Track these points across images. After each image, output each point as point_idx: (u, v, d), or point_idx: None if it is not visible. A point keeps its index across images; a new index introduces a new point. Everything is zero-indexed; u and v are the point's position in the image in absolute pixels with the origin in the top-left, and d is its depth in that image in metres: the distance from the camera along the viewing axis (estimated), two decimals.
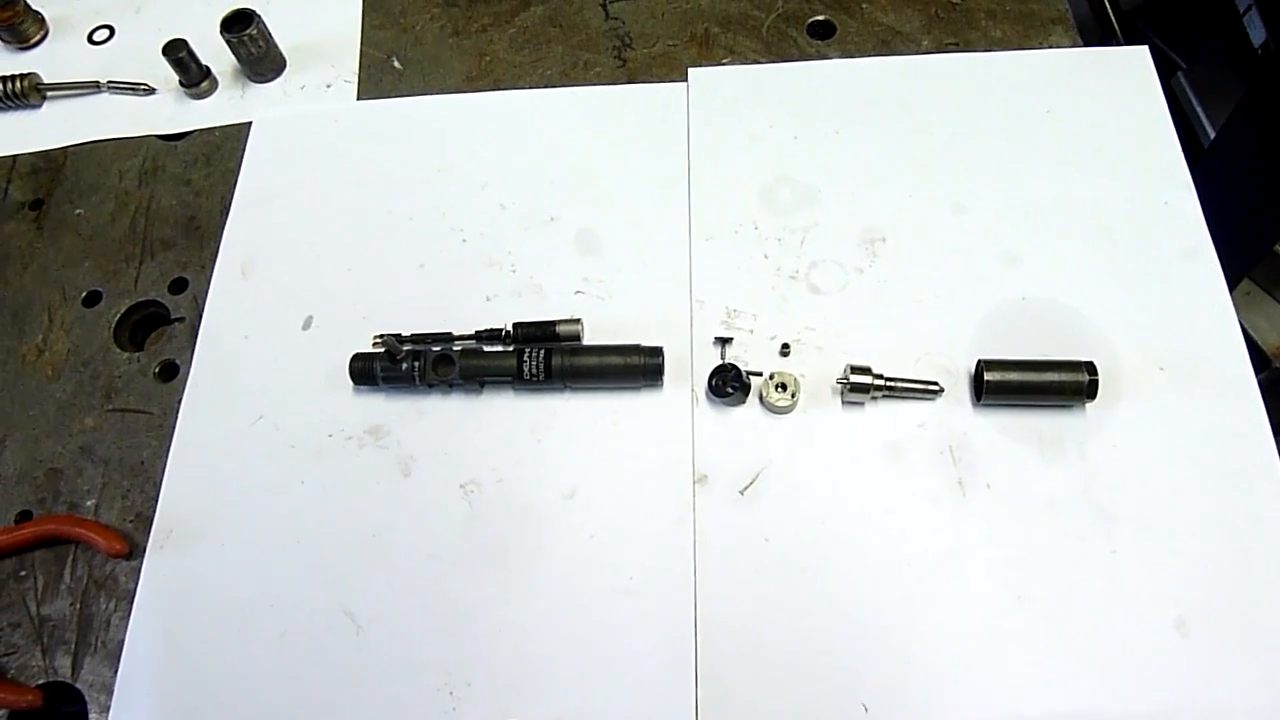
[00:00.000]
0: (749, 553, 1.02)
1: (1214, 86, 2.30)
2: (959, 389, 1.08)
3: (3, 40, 1.46)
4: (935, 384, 1.07)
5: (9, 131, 1.39)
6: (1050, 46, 1.31)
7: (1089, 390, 1.03)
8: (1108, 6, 2.09)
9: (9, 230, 1.32)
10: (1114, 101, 1.25)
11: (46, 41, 1.48)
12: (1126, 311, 1.11)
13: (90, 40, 1.47)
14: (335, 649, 1.01)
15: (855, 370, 1.06)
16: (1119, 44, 2.22)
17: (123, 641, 1.04)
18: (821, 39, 1.35)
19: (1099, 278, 1.13)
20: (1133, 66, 1.28)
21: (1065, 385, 1.04)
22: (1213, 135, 2.18)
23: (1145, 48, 1.29)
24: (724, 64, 1.33)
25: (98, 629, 1.05)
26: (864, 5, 1.37)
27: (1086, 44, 1.32)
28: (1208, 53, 2.37)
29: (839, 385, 1.08)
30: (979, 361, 1.06)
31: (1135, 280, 1.13)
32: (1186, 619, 0.96)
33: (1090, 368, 1.04)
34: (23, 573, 1.09)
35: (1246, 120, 1.78)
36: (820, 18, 1.36)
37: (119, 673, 1.02)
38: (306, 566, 1.05)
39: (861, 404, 1.08)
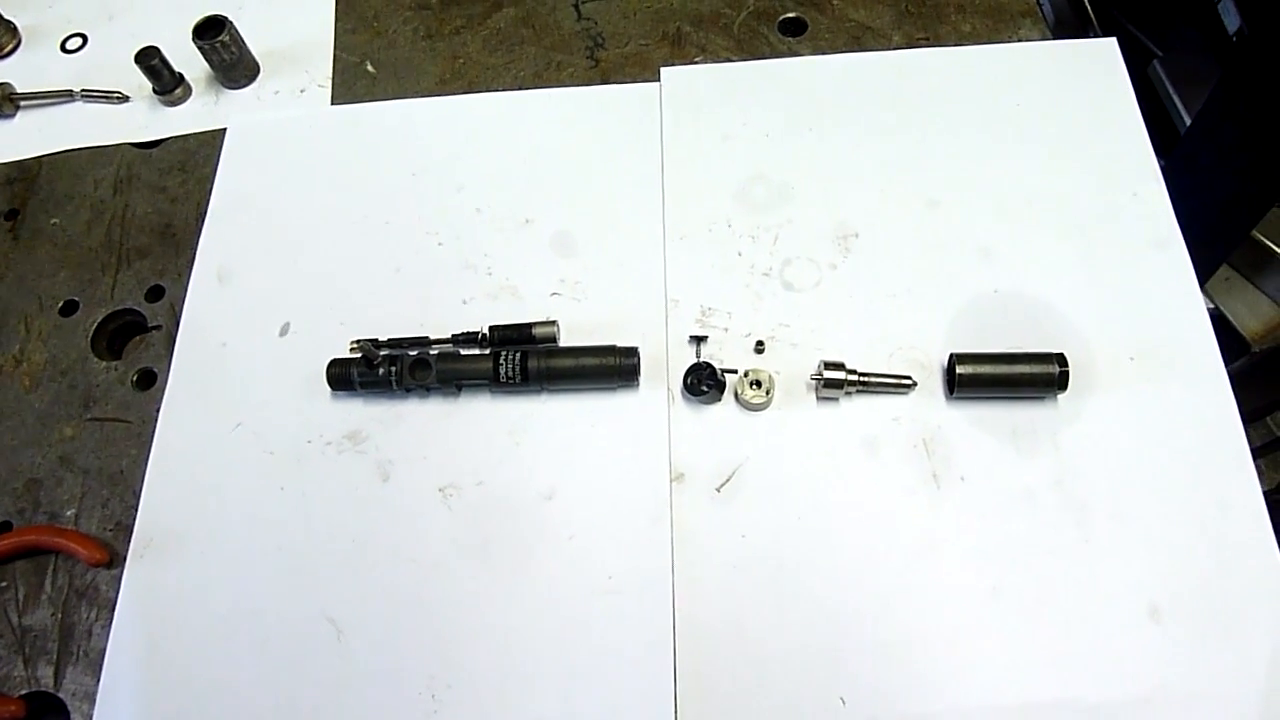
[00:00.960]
0: (726, 549, 1.03)
1: (1190, 74, 2.30)
2: (932, 383, 1.09)
3: None
4: (908, 378, 1.08)
5: None
6: (1020, 40, 1.32)
7: (1060, 382, 1.04)
8: None
9: None
10: (1083, 93, 1.26)
11: (19, 51, 1.47)
12: (1097, 303, 1.12)
13: (63, 49, 1.46)
14: (317, 655, 1.01)
15: (829, 366, 1.07)
16: (1095, 33, 2.23)
17: (104, 650, 1.04)
18: (793, 36, 1.36)
19: (1070, 270, 1.14)
20: (1101, 58, 1.29)
21: (1036, 377, 1.05)
22: (1189, 122, 2.19)
23: (1114, 39, 1.30)
24: (696, 63, 1.34)
25: (79, 638, 1.05)
26: (834, 1, 1.37)
27: (1062, 34, 1.33)
28: (1183, 40, 2.38)
29: (813, 381, 1.09)
30: (951, 355, 1.07)
31: (1105, 271, 1.14)
32: (1160, 607, 0.97)
33: (1061, 359, 1.04)
34: (3, 583, 1.09)
35: (1222, 107, 1.79)
36: (791, 15, 1.37)
37: (101, 681, 1.02)
38: (287, 573, 1.06)
39: (836, 399, 1.09)
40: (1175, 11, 2.42)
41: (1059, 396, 1.07)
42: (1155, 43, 2.44)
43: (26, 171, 1.36)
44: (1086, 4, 2.15)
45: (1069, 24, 2.16)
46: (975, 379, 1.05)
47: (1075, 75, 1.27)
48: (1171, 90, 2.31)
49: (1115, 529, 1.01)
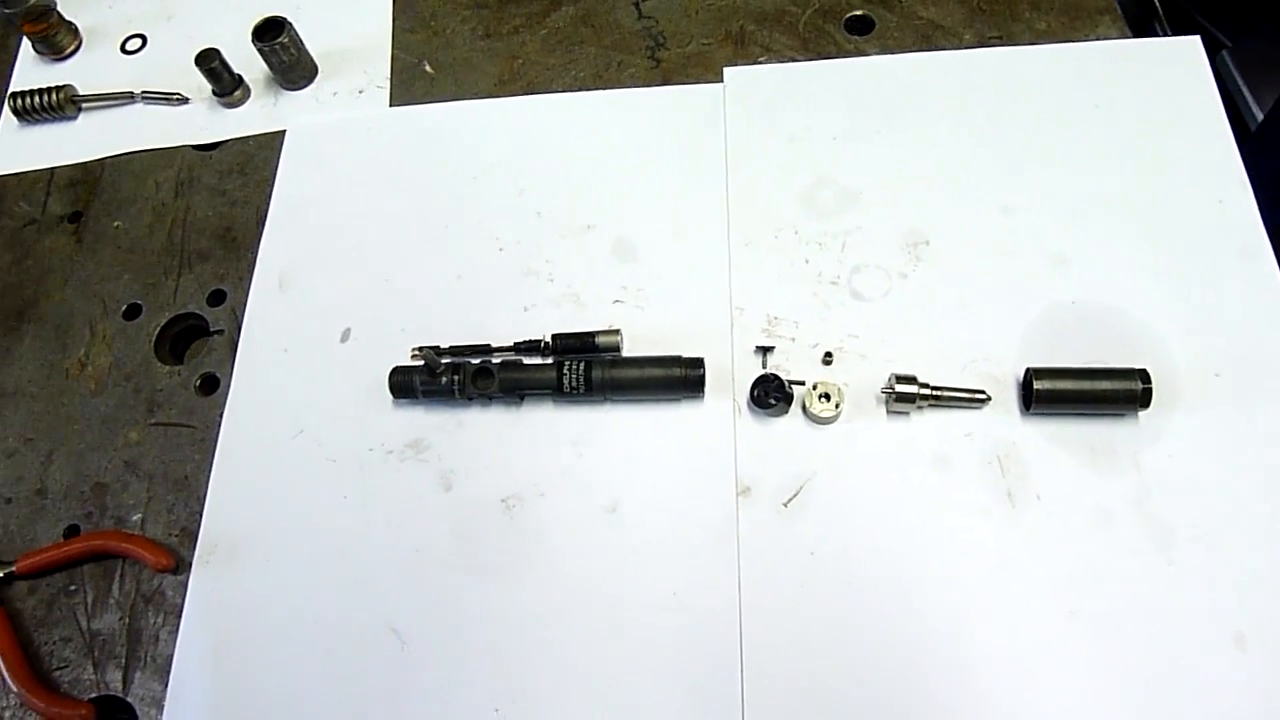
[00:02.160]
0: (794, 567, 1.01)
1: (1261, 65, 2.22)
2: (1007, 397, 1.06)
3: (38, 52, 1.47)
4: (982, 393, 1.05)
5: (47, 144, 1.40)
6: (1097, 38, 1.27)
7: (1142, 399, 1.01)
8: None
9: (49, 243, 1.32)
10: (1164, 95, 1.22)
11: (80, 52, 1.48)
12: (1180, 315, 1.08)
13: (123, 50, 1.47)
14: (381, 665, 1.01)
15: (900, 379, 1.04)
16: (1161, 23, 2.16)
17: (171, 656, 1.05)
18: (860, 34, 1.32)
19: (1151, 280, 1.10)
20: (1183, 58, 1.24)
21: (1118, 394, 1.01)
22: (1260, 116, 2.12)
23: (1197, 38, 1.25)
24: (760, 63, 1.31)
25: (147, 643, 1.06)
26: None
27: (1129, 25, 1.28)
28: (1254, 30, 2.30)
29: (883, 395, 1.06)
30: (1028, 370, 1.04)
31: (1189, 282, 1.10)
32: (1246, 635, 0.93)
33: (1144, 375, 1.01)
34: (72, 587, 1.10)
35: None
36: (858, 12, 1.33)
37: (169, 687, 1.03)
38: (350, 582, 1.06)
39: (907, 414, 1.06)
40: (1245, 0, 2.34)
41: (1140, 414, 1.03)
42: (1224, 32, 2.36)
43: (90, 174, 1.37)
44: None
45: (1133, 14, 2.09)
46: (1054, 395, 1.02)
47: (1156, 75, 1.23)
48: (1241, 82, 2.23)
49: (1199, 553, 0.97)
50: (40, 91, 1.39)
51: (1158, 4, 2.09)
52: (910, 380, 1.04)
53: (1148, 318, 1.08)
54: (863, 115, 1.24)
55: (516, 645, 1.01)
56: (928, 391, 1.04)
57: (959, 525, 1.01)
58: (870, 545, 1.01)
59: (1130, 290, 1.10)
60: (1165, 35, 1.95)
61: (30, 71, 1.47)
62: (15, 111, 1.40)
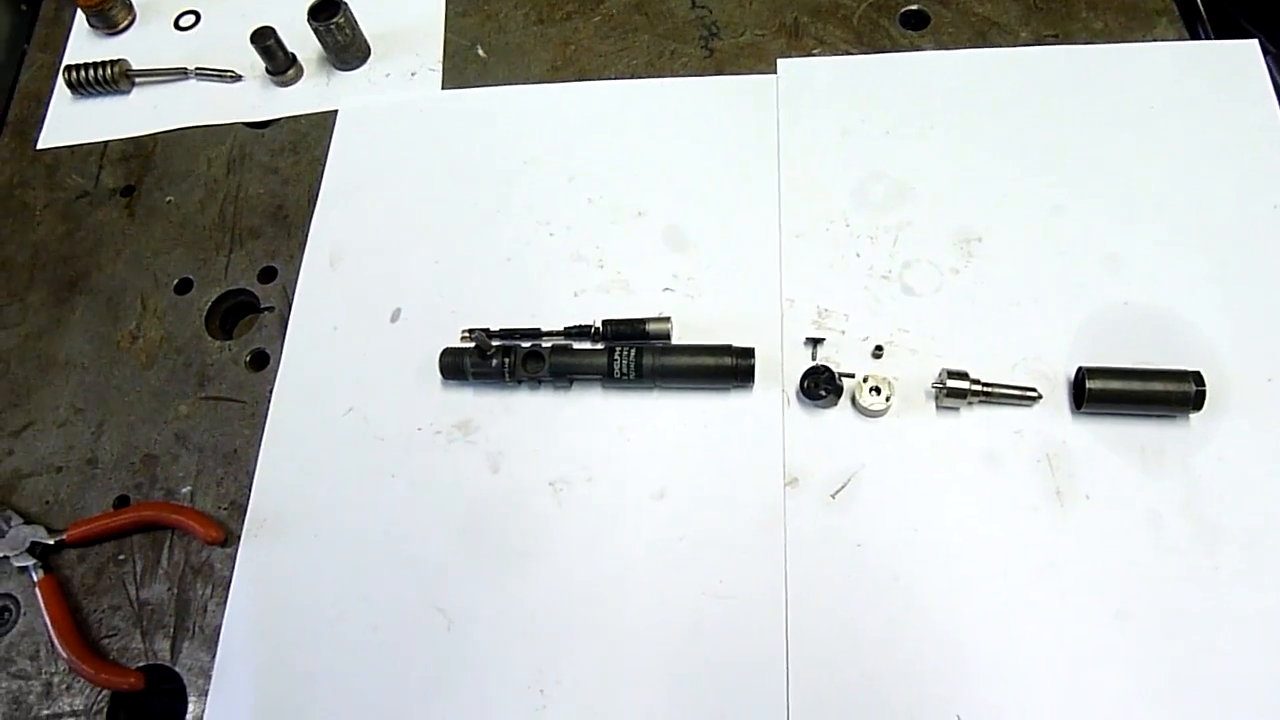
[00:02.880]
0: (840, 559, 1.01)
1: None
2: (1057, 396, 1.06)
3: (92, 26, 1.48)
4: (1033, 390, 1.05)
5: (101, 117, 1.41)
6: (1154, 39, 1.27)
7: (1195, 401, 1.00)
8: None
9: (102, 216, 1.34)
10: (1221, 98, 1.21)
11: (134, 27, 1.49)
12: (1233, 319, 1.07)
13: (177, 26, 1.48)
14: (426, 644, 1.02)
15: (952, 375, 1.04)
16: (1205, 27, 2.14)
17: (219, 627, 1.06)
18: (915, 29, 1.32)
19: (1204, 283, 1.10)
20: (1241, 61, 1.23)
21: (1170, 395, 1.01)
22: None
23: (1255, 42, 1.24)
24: (814, 55, 1.31)
25: (195, 614, 1.07)
26: None
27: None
28: None
29: (934, 389, 1.06)
30: (1080, 369, 1.04)
31: (1243, 286, 1.09)
32: None
33: (1197, 378, 1.01)
34: (121, 556, 1.11)
35: None
36: (913, 7, 1.33)
37: (216, 658, 1.04)
38: (397, 561, 1.06)
39: (957, 409, 1.06)
40: None
41: (1191, 416, 1.03)
42: (1267, 36, 2.33)
43: (142, 148, 1.38)
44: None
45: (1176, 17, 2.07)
46: (1106, 394, 1.02)
47: (1213, 78, 1.22)
48: None
49: (1248, 557, 0.97)
50: (94, 65, 1.40)
51: (1202, 7, 2.08)
52: (962, 376, 1.04)
53: (1199, 321, 1.08)
54: (916, 111, 1.24)
55: (562, 628, 1.01)
56: (979, 388, 1.04)
57: (1007, 522, 1.01)
58: (917, 540, 1.01)
59: (1183, 292, 1.10)
60: (1206, 31, 1.94)
61: (84, 45, 1.48)
62: (69, 85, 1.41)
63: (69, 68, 1.41)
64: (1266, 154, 1.16)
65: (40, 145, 1.41)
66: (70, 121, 1.42)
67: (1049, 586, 0.98)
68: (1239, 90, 1.21)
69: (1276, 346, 1.06)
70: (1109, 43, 1.26)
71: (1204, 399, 1.00)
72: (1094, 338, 1.09)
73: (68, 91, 1.42)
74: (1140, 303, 1.10)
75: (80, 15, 1.49)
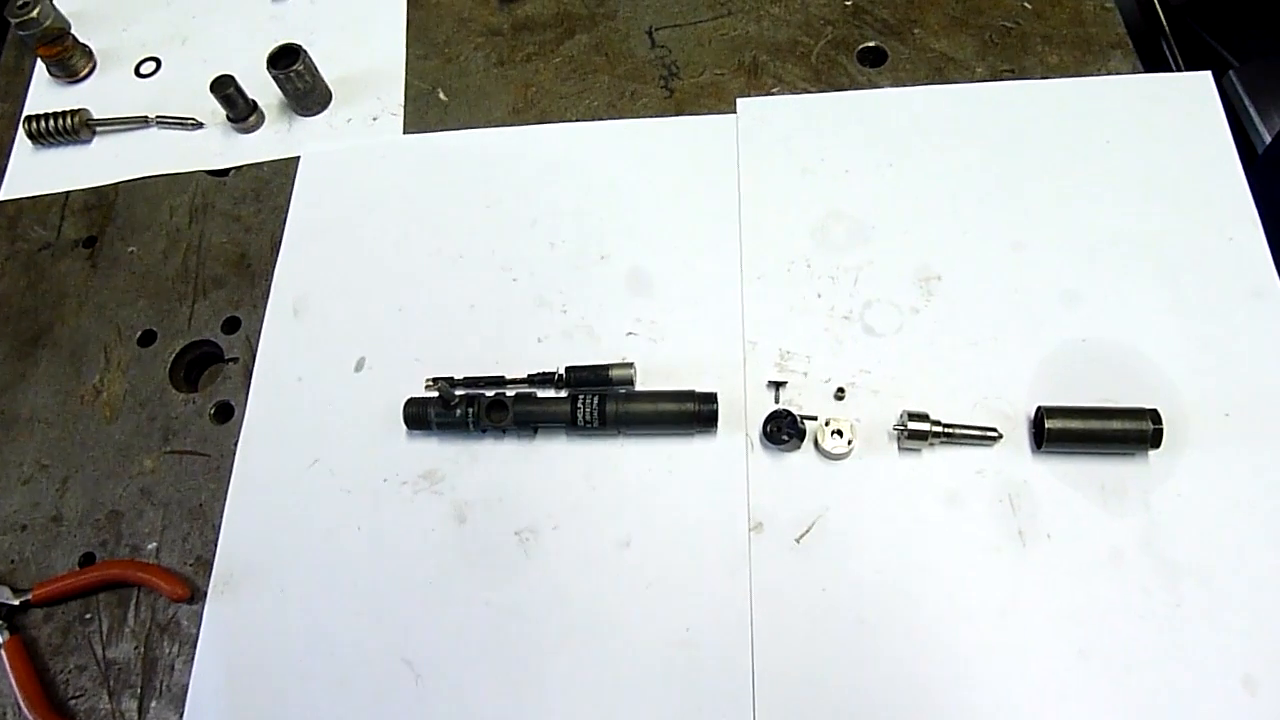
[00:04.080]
0: (806, 603, 1.01)
1: (1268, 85, 2.23)
2: (1018, 435, 1.07)
3: (52, 74, 1.47)
4: (994, 430, 1.06)
5: (62, 167, 1.41)
6: (1109, 72, 1.28)
7: (1153, 439, 1.01)
8: (1156, 5, 2.03)
9: (64, 268, 1.33)
10: (1176, 131, 1.22)
11: (95, 75, 1.49)
12: (1191, 354, 1.08)
13: (137, 73, 1.47)
14: (395, 698, 1.02)
15: (913, 417, 1.05)
16: (1169, 42, 2.17)
17: (187, 685, 1.05)
18: (872, 66, 1.33)
19: (1162, 318, 1.11)
20: (1195, 93, 1.25)
21: (1129, 434, 1.02)
22: (1268, 137, 2.12)
23: (1208, 73, 1.25)
24: (773, 93, 1.31)
25: (162, 672, 1.07)
26: (916, 30, 1.34)
27: (1137, 44, 1.28)
28: (1261, 49, 2.30)
29: (895, 432, 1.07)
30: (1039, 408, 1.05)
31: (1199, 321, 1.10)
32: (1255, 677, 0.94)
33: (1154, 416, 1.02)
34: (88, 615, 1.11)
35: None
36: (871, 44, 1.34)
37: (184, 717, 1.04)
38: (364, 614, 1.06)
39: (918, 450, 1.07)
40: (1253, 18, 2.34)
41: (1150, 454, 1.04)
42: (1231, 51, 2.36)
43: (104, 198, 1.38)
44: (1160, 12, 2.08)
45: (1142, 35, 2.09)
46: (1065, 434, 1.02)
47: (1168, 111, 1.23)
48: (1248, 102, 2.24)
49: (1208, 594, 0.98)
50: (55, 115, 1.39)
51: (1165, 23, 2.10)
52: (922, 418, 1.05)
53: (1158, 356, 1.09)
54: (875, 148, 1.25)
55: (530, 679, 1.01)
56: (939, 429, 1.05)
57: (970, 563, 1.01)
58: (882, 582, 1.01)
59: (1141, 328, 1.11)
60: (1172, 54, 1.96)
61: (45, 94, 1.48)
62: (30, 135, 1.40)
63: (29, 118, 1.40)
64: (1221, 186, 1.18)
65: (1, 197, 1.40)
66: (31, 172, 1.41)
67: (1012, 627, 0.98)
68: (1193, 122, 1.22)
69: (1233, 380, 1.07)
70: (1064, 77, 1.27)
71: (1161, 436, 1.01)
72: (1054, 375, 1.09)
73: (28, 142, 1.42)
74: (1099, 339, 1.11)
75: (40, 64, 1.49)
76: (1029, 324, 1.12)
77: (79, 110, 1.40)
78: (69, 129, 1.39)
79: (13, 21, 1.40)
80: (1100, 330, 1.11)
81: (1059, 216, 1.18)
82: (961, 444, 1.06)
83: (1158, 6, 2.03)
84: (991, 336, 1.12)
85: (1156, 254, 1.15)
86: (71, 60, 1.46)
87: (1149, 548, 1.00)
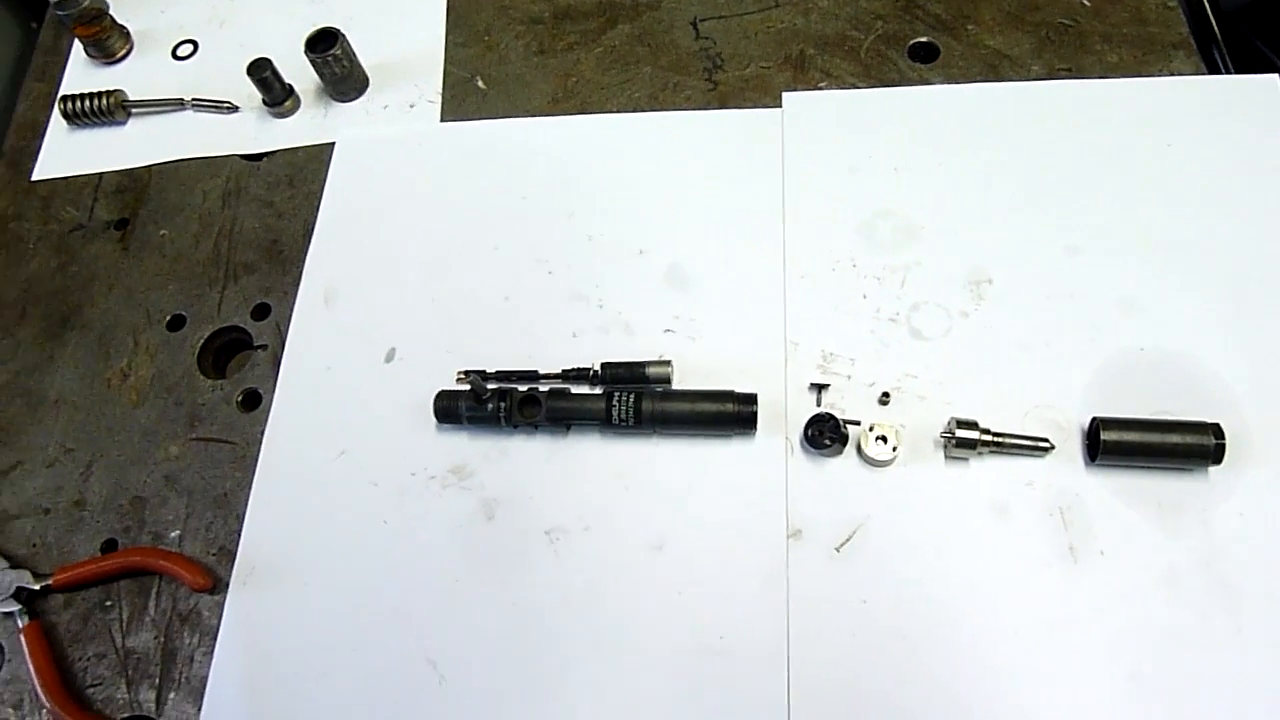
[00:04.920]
0: (845, 615, 0.98)
1: None
2: (1070, 446, 1.02)
3: (89, 55, 1.46)
4: (1045, 440, 1.01)
5: (96, 148, 1.39)
6: (1171, 73, 1.23)
7: (1215, 454, 0.97)
8: (1208, 9, 1.98)
9: (95, 250, 1.32)
10: (1241, 135, 1.17)
11: (131, 56, 1.47)
12: (1254, 367, 1.04)
13: (174, 55, 1.46)
14: (418, 699, 0.99)
15: (961, 424, 1.01)
16: (1220, 48, 2.11)
17: (206, 678, 1.03)
18: (924, 62, 1.29)
19: (1225, 329, 1.06)
20: (1260, 97, 1.20)
21: (1189, 448, 0.97)
22: None
23: (1275, 76, 1.20)
24: (820, 88, 1.28)
25: (181, 664, 1.05)
26: (969, 26, 1.30)
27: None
28: None
29: (943, 439, 1.03)
30: (1094, 419, 1.00)
31: (1263, 332, 1.05)
32: None
33: (1217, 430, 0.97)
34: (108, 602, 1.09)
35: None
36: (922, 39, 1.30)
37: (202, 711, 1.01)
38: (388, 610, 1.04)
39: (966, 459, 1.03)
40: None
41: (1210, 470, 0.99)
42: None
43: (137, 180, 1.36)
44: (1210, 16, 2.03)
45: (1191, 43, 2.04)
46: (1121, 446, 0.98)
47: (1232, 114, 1.18)
48: None
49: (1270, 619, 0.93)
50: (91, 95, 1.38)
51: (1216, 28, 2.04)
52: (971, 425, 1.01)
53: (1219, 368, 1.04)
54: (926, 146, 1.21)
55: (557, 684, 0.98)
56: (989, 438, 1.01)
57: (1018, 578, 0.97)
58: (925, 595, 0.97)
59: (1201, 338, 1.06)
60: (1223, 58, 1.90)
61: (81, 74, 1.47)
62: (65, 115, 1.39)
63: (65, 98, 1.39)
64: None
65: (35, 176, 1.39)
66: (65, 152, 1.40)
67: (1060, 647, 0.94)
68: (1259, 127, 1.18)
69: None
70: (1123, 77, 1.23)
71: (1224, 452, 0.97)
72: (1108, 385, 1.05)
73: (63, 122, 1.40)
74: (1157, 348, 1.06)
75: (78, 44, 1.47)
76: (1084, 331, 1.08)
77: (115, 91, 1.38)
78: (104, 110, 1.38)
79: (51, 1, 1.39)
80: (1158, 339, 1.06)
81: (1117, 221, 1.14)
82: (1011, 454, 1.02)
83: (1209, 10, 1.98)
84: (1044, 343, 1.08)
85: (1219, 261, 1.10)
86: (109, 41, 1.44)
87: (1208, 569, 0.96)
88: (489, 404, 1.07)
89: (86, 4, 1.40)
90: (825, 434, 1.03)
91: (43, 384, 1.23)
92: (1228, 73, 1.27)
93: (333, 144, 1.34)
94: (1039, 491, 1.01)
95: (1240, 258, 1.10)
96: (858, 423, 1.04)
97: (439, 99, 1.36)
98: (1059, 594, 0.96)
